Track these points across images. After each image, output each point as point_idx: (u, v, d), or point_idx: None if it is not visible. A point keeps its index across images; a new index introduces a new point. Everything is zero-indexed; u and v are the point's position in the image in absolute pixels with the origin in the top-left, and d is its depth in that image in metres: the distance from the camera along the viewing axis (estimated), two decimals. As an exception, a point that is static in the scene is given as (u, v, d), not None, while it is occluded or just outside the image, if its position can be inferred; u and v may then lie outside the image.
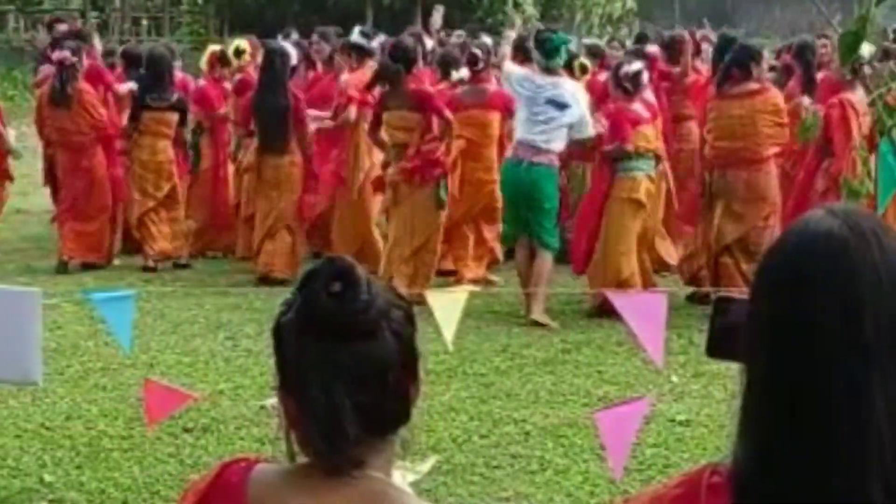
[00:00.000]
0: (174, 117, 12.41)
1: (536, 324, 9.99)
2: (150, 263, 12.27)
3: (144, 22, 39.37)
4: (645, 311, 5.30)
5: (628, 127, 10.27)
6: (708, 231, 10.37)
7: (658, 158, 10.57)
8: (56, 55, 12.15)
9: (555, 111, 10.36)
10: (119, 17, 36.02)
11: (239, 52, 12.93)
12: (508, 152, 10.73)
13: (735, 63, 10.28)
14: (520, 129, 10.43)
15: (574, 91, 10.52)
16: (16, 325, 5.28)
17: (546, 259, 10.38)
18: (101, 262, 12.34)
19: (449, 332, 5.64)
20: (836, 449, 1.64)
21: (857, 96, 9.99)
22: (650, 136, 10.44)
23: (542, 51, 10.56)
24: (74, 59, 11.98)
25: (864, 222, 1.72)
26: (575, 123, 10.33)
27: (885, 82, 5.83)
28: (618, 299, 5.62)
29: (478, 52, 11.67)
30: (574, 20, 33.91)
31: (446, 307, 5.58)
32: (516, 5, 31.64)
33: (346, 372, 2.00)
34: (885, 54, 10.82)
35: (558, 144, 10.37)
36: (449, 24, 16.82)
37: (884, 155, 7.31)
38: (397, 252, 10.68)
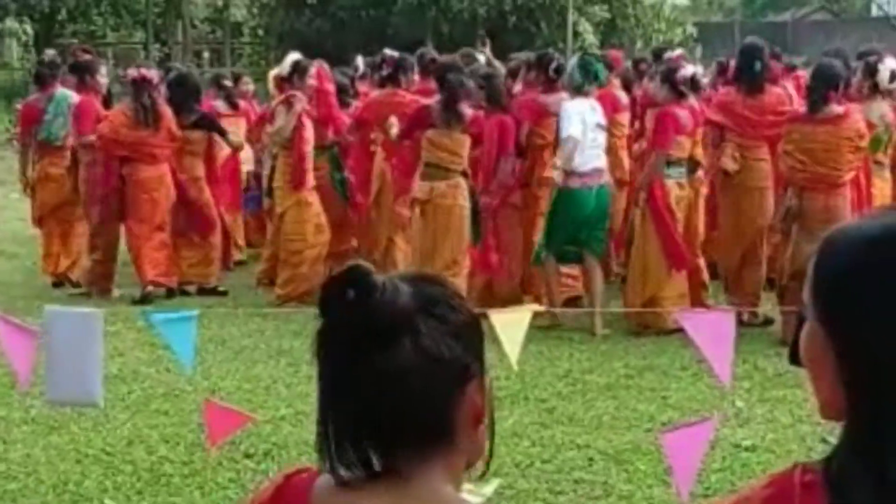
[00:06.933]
0: (199, 135, 12.60)
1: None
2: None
3: (206, 54, 39.76)
4: (713, 330, 5.22)
5: (671, 133, 10.30)
6: (784, 252, 10.25)
7: (696, 165, 10.63)
8: (141, 72, 12.25)
9: (600, 133, 10.54)
10: (181, 50, 36.34)
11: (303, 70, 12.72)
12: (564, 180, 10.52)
13: (823, 86, 9.98)
14: (582, 157, 10.38)
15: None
16: (77, 347, 5.28)
17: (599, 270, 10.70)
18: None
19: (514, 354, 5.57)
20: None
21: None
22: (685, 145, 10.45)
23: (584, 74, 10.60)
24: (156, 77, 12.31)
25: None
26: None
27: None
28: (686, 318, 5.54)
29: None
30: (634, 47, 33.86)
31: (509, 327, 5.50)
32: (576, 34, 31.63)
33: (361, 382, 1.94)
34: None
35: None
36: (508, 52, 16.83)
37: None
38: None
